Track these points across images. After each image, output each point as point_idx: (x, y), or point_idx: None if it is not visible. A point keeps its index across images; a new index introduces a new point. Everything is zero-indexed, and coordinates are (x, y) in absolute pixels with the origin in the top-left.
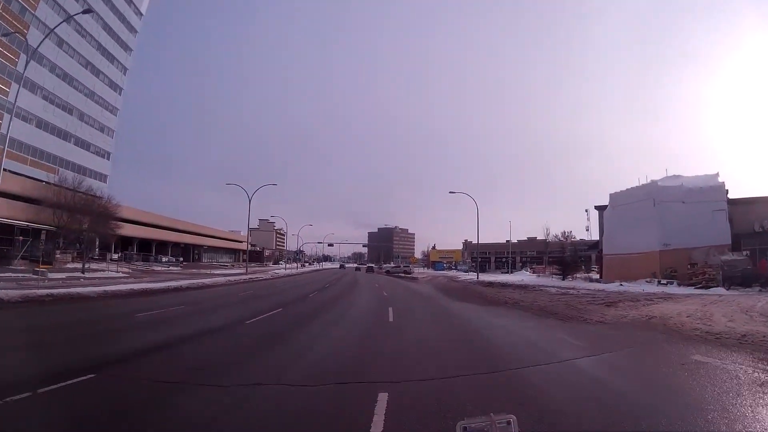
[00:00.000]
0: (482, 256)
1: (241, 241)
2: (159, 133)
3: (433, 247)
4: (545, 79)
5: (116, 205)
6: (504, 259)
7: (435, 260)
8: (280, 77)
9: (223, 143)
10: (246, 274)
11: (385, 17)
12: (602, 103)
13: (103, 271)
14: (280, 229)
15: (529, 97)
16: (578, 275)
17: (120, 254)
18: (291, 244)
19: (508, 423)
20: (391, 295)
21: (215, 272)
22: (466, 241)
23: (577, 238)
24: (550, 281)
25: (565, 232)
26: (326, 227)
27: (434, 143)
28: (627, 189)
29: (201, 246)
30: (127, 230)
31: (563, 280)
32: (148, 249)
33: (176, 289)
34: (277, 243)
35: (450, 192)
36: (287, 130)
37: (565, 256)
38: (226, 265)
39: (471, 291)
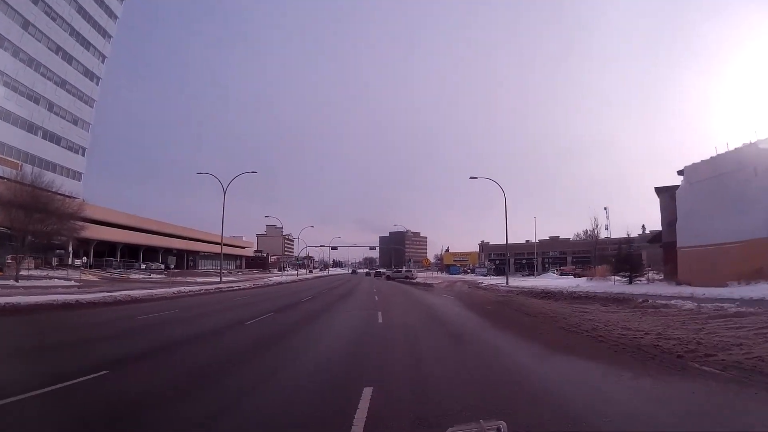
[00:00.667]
0: (500, 258)
1: (243, 247)
2: (157, 135)
3: (447, 250)
4: (546, 78)
5: (80, 203)
6: (524, 261)
7: (449, 263)
8: (278, 73)
9: (223, 145)
10: (221, 283)
11: (386, 17)
12: (602, 104)
13: (50, 278)
14: (288, 235)
15: (528, 95)
16: (655, 276)
17: (86, 260)
18: (300, 250)
19: (498, 430)
20: (388, 322)
21: (197, 280)
22: (482, 242)
23: (602, 237)
24: (612, 286)
25: (587, 230)
26: (336, 232)
27: (441, 143)
28: (711, 158)
29: (197, 252)
30: (110, 234)
31: (630, 283)
32: (135, 255)
33: (73, 305)
34: (286, 249)
35: (471, 177)
36: (287, 129)
37: (631, 254)
38: (224, 272)
39: (528, 310)
